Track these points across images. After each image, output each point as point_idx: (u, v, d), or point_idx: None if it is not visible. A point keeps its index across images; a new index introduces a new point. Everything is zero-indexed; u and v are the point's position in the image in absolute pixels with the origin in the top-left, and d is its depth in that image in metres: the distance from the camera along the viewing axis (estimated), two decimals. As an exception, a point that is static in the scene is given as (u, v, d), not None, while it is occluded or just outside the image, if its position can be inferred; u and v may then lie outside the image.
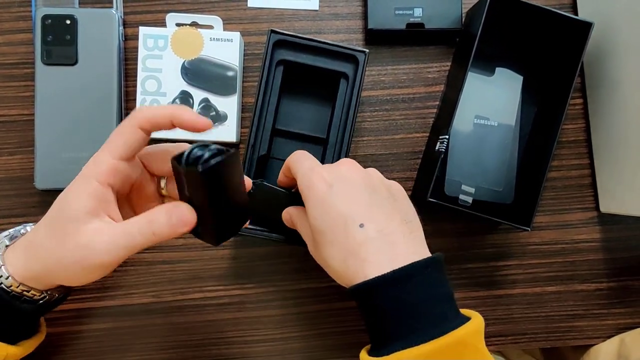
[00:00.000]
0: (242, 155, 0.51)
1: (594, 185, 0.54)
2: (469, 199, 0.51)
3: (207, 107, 0.48)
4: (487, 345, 0.53)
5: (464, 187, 0.51)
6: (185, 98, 0.48)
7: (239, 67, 0.49)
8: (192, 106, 0.48)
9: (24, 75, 0.51)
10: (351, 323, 0.52)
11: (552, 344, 0.54)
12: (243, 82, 0.52)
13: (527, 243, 0.53)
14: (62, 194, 0.33)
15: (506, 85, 0.53)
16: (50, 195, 0.51)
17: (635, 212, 0.47)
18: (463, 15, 0.52)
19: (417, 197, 0.51)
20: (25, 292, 0.34)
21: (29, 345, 0.39)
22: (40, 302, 0.36)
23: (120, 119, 0.50)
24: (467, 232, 0.53)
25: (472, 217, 0.47)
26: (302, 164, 0.38)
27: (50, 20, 0.48)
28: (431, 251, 0.37)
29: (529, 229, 0.46)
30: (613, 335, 0.53)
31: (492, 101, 0.52)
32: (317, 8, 0.53)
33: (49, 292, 0.36)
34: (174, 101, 0.48)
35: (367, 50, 0.46)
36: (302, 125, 0.50)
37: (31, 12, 0.51)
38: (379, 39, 0.53)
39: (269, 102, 0.48)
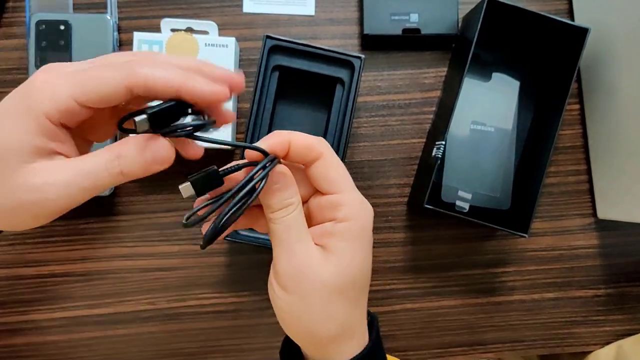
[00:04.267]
0: (237, 162, 0.50)
1: (591, 191, 0.54)
2: (466, 205, 0.51)
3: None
4: (485, 352, 0.53)
5: (460, 193, 0.51)
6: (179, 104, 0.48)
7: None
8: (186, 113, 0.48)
9: (17, 81, 0.51)
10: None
11: (550, 351, 0.53)
12: (238, 87, 0.52)
13: (525, 249, 0.53)
14: None
15: (503, 90, 0.52)
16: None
17: (633, 219, 0.47)
18: (459, 20, 0.51)
19: (414, 204, 0.51)
20: None
21: None
22: None
23: (115, 125, 0.49)
24: (464, 238, 0.53)
25: (469, 224, 0.46)
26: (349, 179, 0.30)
27: (44, 26, 0.48)
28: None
29: (526, 235, 0.46)
30: (611, 342, 0.53)
31: (488, 107, 0.52)
32: (312, 13, 0.53)
33: None
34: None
35: (363, 56, 0.46)
36: (297, 130, 0.50)
37: (25, 18, 0.51)
38: (375, 44, 0.53)
39: (265, 108, 0.47)
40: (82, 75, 0.25)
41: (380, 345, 0.32)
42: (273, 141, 0.28)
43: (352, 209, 0.29)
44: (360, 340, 0.30)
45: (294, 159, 0.29)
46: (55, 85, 0.25)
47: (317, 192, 0.30)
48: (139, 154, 0.26)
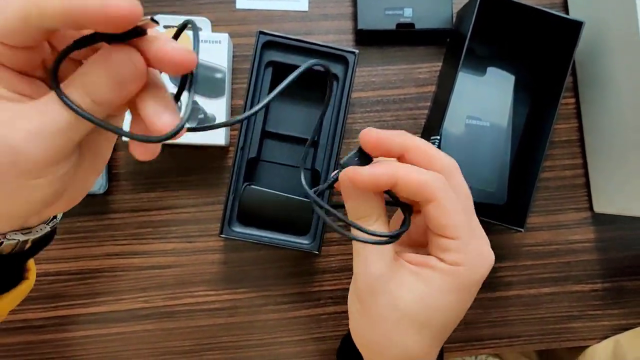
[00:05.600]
0: (231, 158, 0.50)
1: (587, 185, 0.53)
2: (462, 200, 0.51)
3: (195, 110, 0.47)
4: (482, 348, 0.53)
5: (456, 188, 0.51)
6: (173, 101, 0.47)
7: (228, 69, 0.49)
8: (179, 109, 0.47)
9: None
10: (345, 327, 0.52)
11: (548, 346, 0.53)
12: (232, 84, 0.52)
13: (521, 244, 0.53)
14: None
15: (498, 85, 0.52)
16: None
17: (630, 212, 0.47)
18: (453, 15, 0.51)
19: (410, 199, 0.51)
20: None
21: (13, 298, 0.30)
22: None
23: (108, 122, 0.49)
24: (461, 233, 0.53)
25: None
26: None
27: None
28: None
29: (522, 230, 0.46)
30: (608, 336, 0.53)
31: (483, 101, 0.52)
32: (306, 9, 0.53)
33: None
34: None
35: (357, 51, 0.46)
36: (292, 127, 0.50)
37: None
38: (369, 39, 0.52)
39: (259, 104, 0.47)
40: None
41: None
42: (379, 172, 0.25)
43: (466, 257, 0.26)
44: None
45: (403, 196, 0.27)
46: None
47: None
48: (105, 73, 0.21)
